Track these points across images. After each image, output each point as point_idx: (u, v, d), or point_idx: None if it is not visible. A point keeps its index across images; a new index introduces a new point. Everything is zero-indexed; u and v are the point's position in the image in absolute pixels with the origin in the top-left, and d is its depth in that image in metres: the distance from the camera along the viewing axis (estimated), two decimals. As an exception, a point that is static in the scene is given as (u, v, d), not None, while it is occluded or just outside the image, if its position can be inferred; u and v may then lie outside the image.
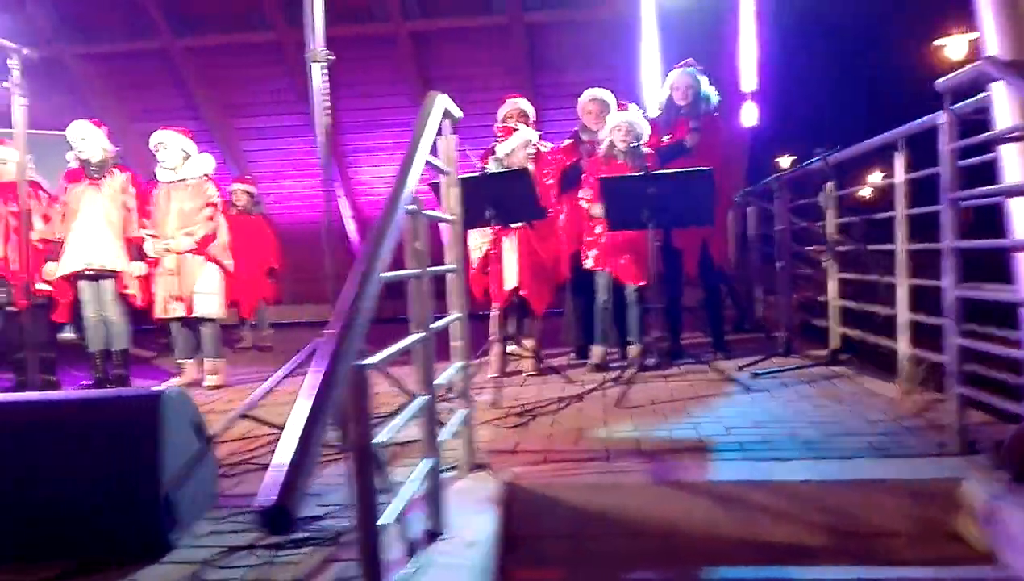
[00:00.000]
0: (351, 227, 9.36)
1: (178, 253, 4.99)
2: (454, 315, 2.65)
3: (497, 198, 4.19)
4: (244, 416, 3.30)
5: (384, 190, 8.15)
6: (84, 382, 5.26)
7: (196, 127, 8.52)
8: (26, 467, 2.01)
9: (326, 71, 3.57)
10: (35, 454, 2.02)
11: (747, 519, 2.46)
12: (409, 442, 2.73)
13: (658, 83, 7.32)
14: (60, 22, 7.91)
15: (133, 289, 5.14)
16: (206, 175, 5.21)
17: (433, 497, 2.14)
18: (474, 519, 2.25)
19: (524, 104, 5.52)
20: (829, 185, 4.71)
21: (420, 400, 2.10)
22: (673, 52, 7.26)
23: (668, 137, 4.94)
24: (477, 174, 4.51)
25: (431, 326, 2.20)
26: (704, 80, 4.96)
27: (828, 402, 3.63)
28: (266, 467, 1.30)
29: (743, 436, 3.06)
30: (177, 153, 5.13)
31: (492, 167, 4.99)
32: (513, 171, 4.43)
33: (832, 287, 4.82)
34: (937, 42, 11.44)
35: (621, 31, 7.46)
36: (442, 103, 2.58)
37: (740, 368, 4.41)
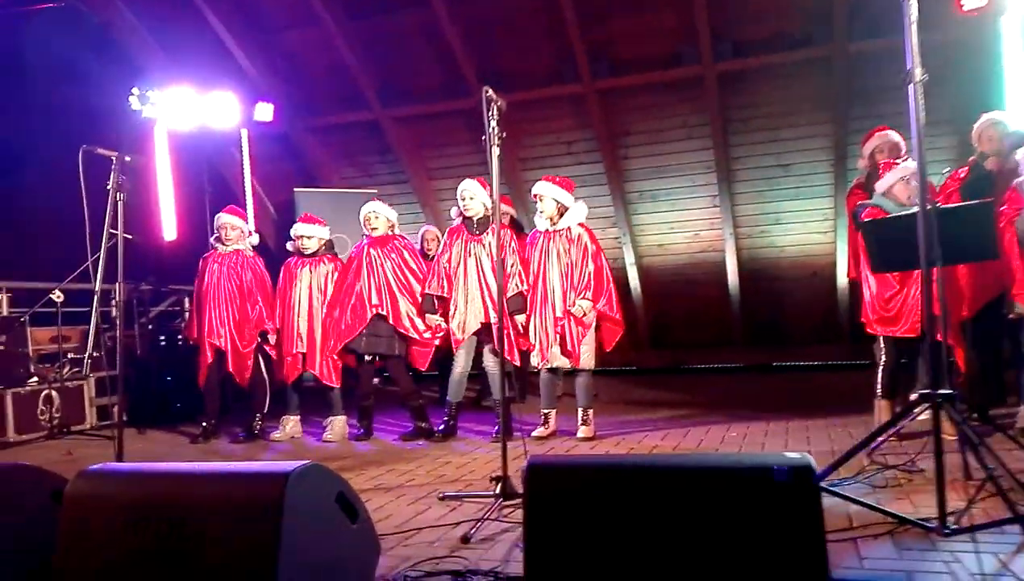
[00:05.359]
0: (632, 274, 9.17)
1: (581, 316, 4.99)
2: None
3: (947, 235, 3.72)
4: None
5: (668, 237, 7.82)
6: (439, 426, 5.33)
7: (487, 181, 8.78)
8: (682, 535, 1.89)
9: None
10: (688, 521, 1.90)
11: None
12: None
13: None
14: (381, 87, 8.46)
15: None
16: (581, 223, 5.20)
17: None
18: None
19: (895, 136, 5.12)
20: None
21: None
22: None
23: None
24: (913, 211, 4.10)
25: None
26: None
27: None
28: None
29: None
30: (551, 203, 5.15)
31: (887, 205, 4.58)
32: (976, 204, 3.95)
33: None
34: None
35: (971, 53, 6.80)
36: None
37: None
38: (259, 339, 5.66)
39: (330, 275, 5.57)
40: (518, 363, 5.30)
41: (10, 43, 7.56)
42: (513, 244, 5.22)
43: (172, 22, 8.37)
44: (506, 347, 5.09)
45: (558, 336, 4.99)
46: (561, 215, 5.13)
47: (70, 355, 6.72)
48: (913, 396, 4.69)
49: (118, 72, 8.04)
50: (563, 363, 5.01)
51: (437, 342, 5.40)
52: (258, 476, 2.28)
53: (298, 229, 5.62)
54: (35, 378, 6.36)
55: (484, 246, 5.14)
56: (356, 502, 2.47)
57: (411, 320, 5.30)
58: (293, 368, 5.49)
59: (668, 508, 1.95)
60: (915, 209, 4.23)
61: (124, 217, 3.89)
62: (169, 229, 8.35)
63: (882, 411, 4.50)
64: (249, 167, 8.54)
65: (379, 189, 8.82)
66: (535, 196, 5.16)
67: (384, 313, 5.27)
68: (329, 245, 5.75)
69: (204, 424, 5.79)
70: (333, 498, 2.37)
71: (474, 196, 5.20)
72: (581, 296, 4.96)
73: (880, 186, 4.65)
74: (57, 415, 6.26)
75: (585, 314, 4.95)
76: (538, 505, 2.03)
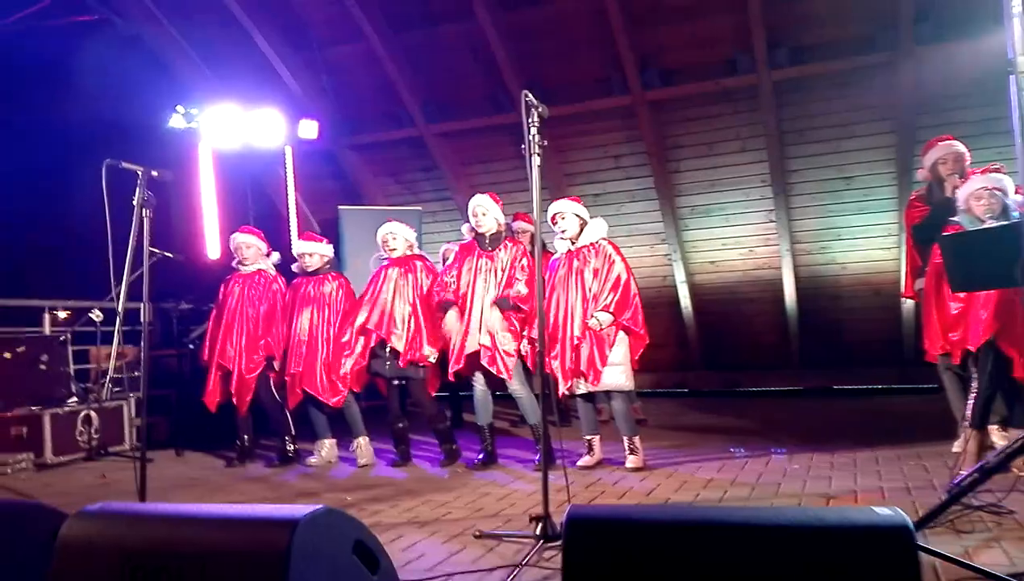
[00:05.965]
0: (683, 292, 8.81)
1: (598, 330, 4.69)
2: None
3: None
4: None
5: (721, 254, 7.49)
6: (478, 455, 5.08)
7: (528, 197, 8.54)
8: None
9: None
10: None
11: None
12: None
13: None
14: (425, 102, 8.31)
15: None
16: (604, 238, 4.95)
17: None
18: None
19: (959, 146, 4.75)
20: None
21: None
22: None
23: None
24: (1005, 224, 3.73)
25: None
26: None
27: None
28: None
29: None
30: (573, 220, 4.92)
31: (964, 222, 4.21)
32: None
33: None
34: None
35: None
36: None
37: None
38: (265, 365, 5.56)
39: (334, 293, 5.45)
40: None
41: (54, 59, 7.61)
42: (523, 260, 4.94)
43: (216, 39, 8.37)
44: (501, 364, 4.82)
45: (574, 356, 4.70)
46: (580, 233, 4.89)
47: (109, 374, 6.64)
48: (993, 427, 4.32)
49: (162, 89, 8.05)
50: (587, 387, 4.71)
51: (427, 365, 5.19)
52: (264, 522, 2.04)
53: (299, 247, 5.56)
54: (75, 398, 6.29)
55: (495, 262, 4.92)
56: (377, 550, 2.22)
57: (412, 342, 5.11)
58: (292, 388, 5.37)
59: (734, 573, 1.65)
60: (996, 224, 3.91)
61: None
62: (213, 248, 8.31)
63: (971, 442, 4.10)
64: (293, 185, 8.46)
65: (424, 206, 8.69)
66: (554, 217, 4.89)
67: (375, 331, 5.14)
68: (333, 263, 5.65)
69: (238, 445, 5.71)
70: (350, 547, 2.12)
71: (487, 212, 4.99)
72: (600, 308, 4.66)
73: (959, 203, 4.32)
74: (96, 436, 6.17)
75: (601, 327, 4.65)
76: (579, 566, 1.75)
